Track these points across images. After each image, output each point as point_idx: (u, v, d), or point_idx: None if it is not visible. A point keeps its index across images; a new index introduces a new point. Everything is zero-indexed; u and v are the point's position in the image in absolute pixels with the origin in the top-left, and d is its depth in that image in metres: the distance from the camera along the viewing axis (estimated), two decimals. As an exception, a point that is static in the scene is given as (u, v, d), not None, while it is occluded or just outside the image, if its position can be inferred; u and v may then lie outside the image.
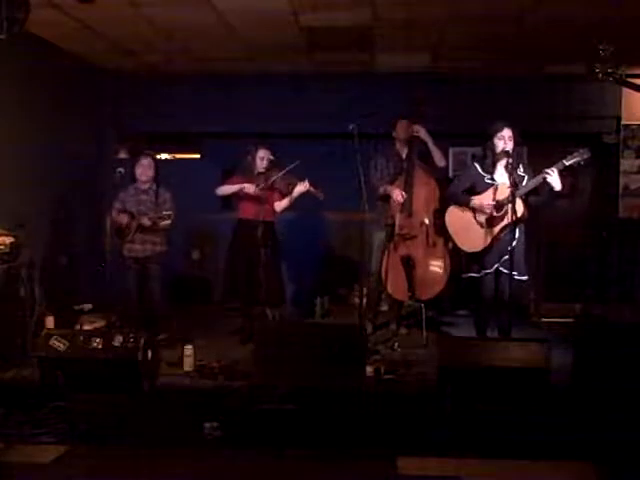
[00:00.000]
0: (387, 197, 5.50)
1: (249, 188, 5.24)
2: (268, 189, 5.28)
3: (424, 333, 5.35)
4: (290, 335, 4.15)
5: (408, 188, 5.42)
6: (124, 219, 5.40)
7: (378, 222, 5.63)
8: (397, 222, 5.43)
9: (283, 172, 5.23)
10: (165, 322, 5.51)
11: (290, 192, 5.30)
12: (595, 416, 3.64)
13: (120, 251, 5.48)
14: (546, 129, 6.92)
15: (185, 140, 7.95)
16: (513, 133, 4.67)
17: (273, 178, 5.25)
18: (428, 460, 3.22)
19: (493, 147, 4.72)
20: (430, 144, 5.54)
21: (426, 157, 5.57)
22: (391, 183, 5.51)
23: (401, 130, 5.63)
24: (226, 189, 5.40)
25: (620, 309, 5.71)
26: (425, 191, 5.46)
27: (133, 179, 5.52)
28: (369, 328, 5.58)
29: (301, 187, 5.25)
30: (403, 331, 5.75)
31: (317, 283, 6.99)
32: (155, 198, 5.42)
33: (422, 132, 5.50)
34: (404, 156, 5.62)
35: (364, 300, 5.66)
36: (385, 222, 5.54)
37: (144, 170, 5.46)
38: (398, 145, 5.69)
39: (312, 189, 5.25)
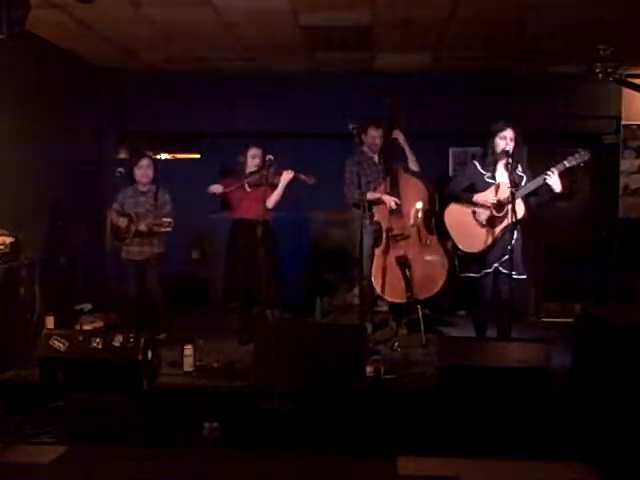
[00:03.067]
0: (371, 203, 5.48)
1: (217, 188, 5.33)
2: (258, 185, 5.26)
3: (423, 333, 5.35)
4: (290, 335, 4.15)
5: (395, 190, 5.43)
6: (123, 222, 5.38)
7: (364, 224, 5.56)
8: (388, 224, 5.44)
9: (267, 168, 5.19)
10: (165, 322, 5.51)
11: (277, 183, 5.26)
12: (595, 416, 3.64)
13: (119, 252, 5.48)
14: (546, 129, 6.92)
15: (185, 140, 7.95)
16: (515, 134, 4.67)
17: (259, 174, 5.22)
18: (428, 460, 3.23)
19: (494, 146, 4.72)
20: (407, 149, 5.58)
21: (404, 161, 5.60)
22: (374, 190, 5.51)
23: (370, 136, 5.61)
24: (214, 188, 5.40)
25: (619, 309, 5.70)
26: (413, 192, 5.48)
27: (132, 180, 5.51)
28: (369, 328, 5.58)
29: (287, 175, 5.22)
30: (403, 331, 5.75)
31: (317, 283, 6.98)
32: (154, 200, 5.40)
33: (401, 137, 5.55)
34: (376, 160, 5.63)
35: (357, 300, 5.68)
36: (368, 225, 5.50)
37: (144, 171, 5.44)
38: (367, 149, 5.66)
39: (301, 176, 5.23)
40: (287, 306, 6.03)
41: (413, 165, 5.61)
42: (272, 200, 5.31)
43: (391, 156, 5.56)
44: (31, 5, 4.14)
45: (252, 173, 5.31)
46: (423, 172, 5.68)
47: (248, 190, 5.29)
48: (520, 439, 3.41)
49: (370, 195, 5.44)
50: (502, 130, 4.67)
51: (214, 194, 5.43)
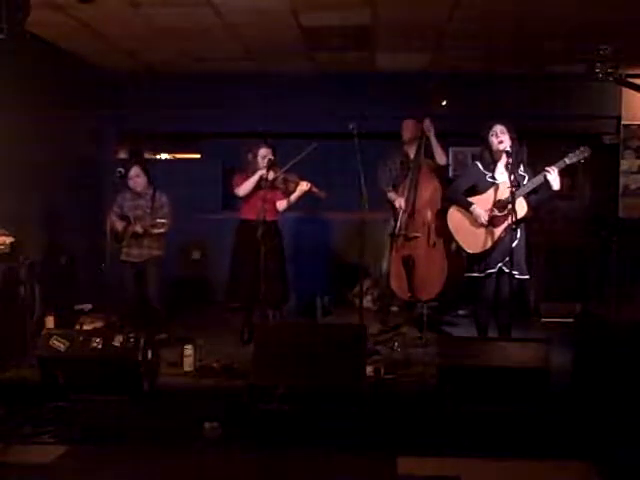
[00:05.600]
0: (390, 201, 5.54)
1: (270, 174, 5.21)
2: (270, 187, 5.27)
3: (424, 333, 5.35)
4: (290, 335, 4.15)
5: (412, 188, 5.43)
6: (121, 224, 5.42)
7: (388, 222, 5.65)
8: (400, 222, 5.45)
9: (287, 167, 5.23)
10: (165, 322, 5.52)
11: (293, 191, 5.30)
12: (595, 416, 3.64)
13: (119, 254, 5.49)
14: (546, 129, 6.92)
15: (185, 140, 7.95)
16: (507, 128, 4.66)
17: (278, 174, 5.23)
18: (428, 460, 3.22)
19: (489, 145, 4.73)
20: (433, 141, 5.53)
21: (430, 155, 5.58)
22: (396, 187, 5.53)
23: (407, 130, 5.64)
24: (245, 187, 5.31)
25: (619, 309, 5.70)
26: (429, 191, 5.47)
27: (128, 187, 5.52)
28: (376, 328, 5.59)
29: (304, 186, 5.25)
30: (405, 330, 5.76)
31: (317, 283, 6.98)
32: (151, 203, 5.42)
33: (430, 127, 5.47)
34: (412, 156, 5.63)
35: (369, 300, 5.69)
36: (391, 222, 5.58)
37: (134, 181, 5.47)
38: (406, 146, 5.69)
39: (315, 189, 5.26)
40: (292, 306, 6.05)
41: (440, 158, 5.59)
42: (283, 205, 5.40)
43: (419, 151, 5.50)
44: (31, 6, 4.14)
45: (267, 171, 5.22)
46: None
47: (260, 191, 5.26)
48: (520, 439, 3.41)
49: (389, 194, 5.51)
50: (492, 127, 4.69)
51: (244, 194, 5.36)
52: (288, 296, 5.56)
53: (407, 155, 5.67)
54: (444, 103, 5.46)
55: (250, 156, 5.35)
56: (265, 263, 4.97)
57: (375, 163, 5.68)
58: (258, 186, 5.27)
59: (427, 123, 5.48)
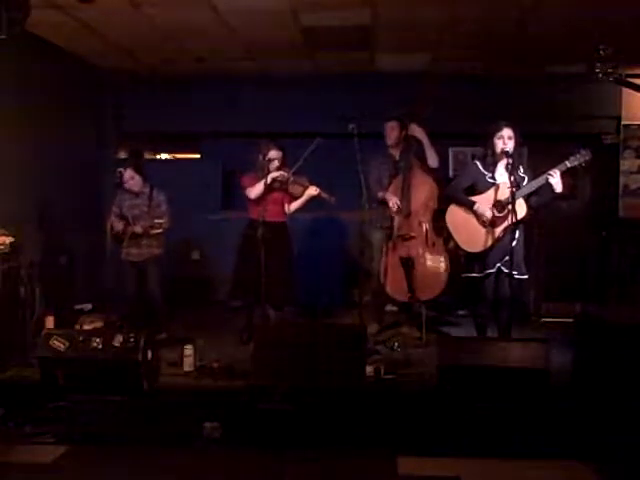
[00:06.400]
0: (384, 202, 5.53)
1: (281, 176, 5.20)
2: (280, 189, 5.27)
3: (424, 333, 5.35)
4: (290, 335, 4.15)
5: (405, 189, 5.41)
6: (120, 225, 5.43)
7: (375, 223, 5.61)
8: (396, 223, 5.44)
9: (296, 166, 5.21)
10: (165, 322, 5.52)
11: (299, 195, 5.29)
12: (594, 416, 3.64)
13: (119, 253, 5.50)
14: (546, 129, 6.92)
15: (185, 140, 7.95)
16: (514, 133, 4.66)
17: (289, 175, 5.22)
18: (428, 460, 3.23)
19: (493, 146, 4.71)
20: (425, 144, 5.51)
21: (421, 157, 5.56)
22: (386, 187, 5.52)
23: (389, 132, 5.62)
24: (257, 189, 5.22)
25: (619, 309, 5.70)
26: (423, 191, 5.44)
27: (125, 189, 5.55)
28: (374, 328, 5.58)
29: (312, 191, 5.24)
30: (405, 330, 5.75)
31: (318, 283, 6.97)
32: (149, 201, 5.43)
33: (417, 131, 5.47)
34: (397, 157, 5.62)
35: (368, 300, 5.66)
36: (382, 223, 5.55)
37: (129, 184, 5.49)
38: (390, 148, 5.67)
39: (323, 194, 5.25)
40: (299, 307, 6.05)
41: (432, 161, 5.55)
42: (292, 208, 5.39)
43: (407, 152, 5.48)
44: (31, 6, 4.14)
45: (275, 176, 5.21)
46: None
47: (271, 192, 5.24)
48: (520, 439, 3.41)
49: (380, 193, 5.48)
50: (499, 130, 4.66)
51: (256, 196, 5.28)
52: (292, 299, 5.52)
53: (392, 156, 5.65)
54: (431, 106, 5.44)
55: (260, 157, 5.31)
56: (267, 264, 4.95)
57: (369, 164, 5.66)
58: (269, 187, 5.24)
59: (417, 130, 5.46)
